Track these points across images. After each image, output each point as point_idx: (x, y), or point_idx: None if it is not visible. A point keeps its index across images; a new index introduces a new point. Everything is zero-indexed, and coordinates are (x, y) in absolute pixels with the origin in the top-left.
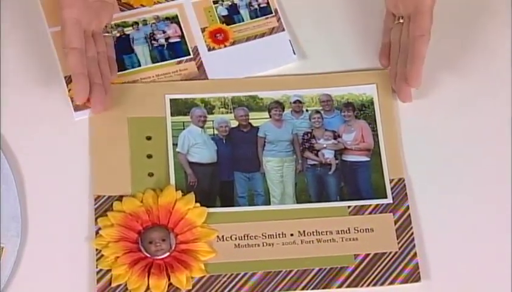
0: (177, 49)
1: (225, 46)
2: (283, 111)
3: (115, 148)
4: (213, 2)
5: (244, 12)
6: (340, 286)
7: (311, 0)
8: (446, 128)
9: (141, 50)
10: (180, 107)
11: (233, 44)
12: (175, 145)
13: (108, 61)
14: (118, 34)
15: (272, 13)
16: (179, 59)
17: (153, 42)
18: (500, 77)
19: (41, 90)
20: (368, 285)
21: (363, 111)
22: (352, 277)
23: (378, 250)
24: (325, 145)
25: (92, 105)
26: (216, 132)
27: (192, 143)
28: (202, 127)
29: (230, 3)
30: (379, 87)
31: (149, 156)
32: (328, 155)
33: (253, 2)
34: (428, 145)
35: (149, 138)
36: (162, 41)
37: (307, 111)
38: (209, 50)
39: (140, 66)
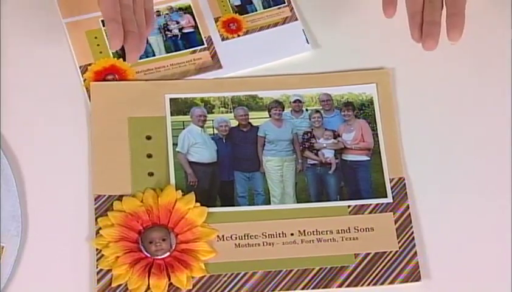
0: (191, 39)
1: (238, 36)
2: (283, 110)
3: (115, 148)
4: None
5: (256, 2)
6: (340, 286)
7: None
8: (446, 127)
9: (156, 41)
10: (180, 107)
11: (246, 33)
12: (175, 144)
13: (145, 13)
14: None
15: (284, 2)
16: (193, 49)
17: (167, 32)
18: (500, 77)
19: (51, 86)
20: (368, 285)
21: (363, 110)
22: (352, 277)
23: (378, 249)
24: (324, 145)
25: (127, 52)
26: (216, 131)
27: (192, 143)
28: (202, 127)
29: None
30: (379, 86)
31: (149, 156)
32: (328, 154)
33: None
34: (428, 144)
35: (149, 138)
36: (176, 31)
37: (307, 110)
38: (222, 39)
39: (154, 55)
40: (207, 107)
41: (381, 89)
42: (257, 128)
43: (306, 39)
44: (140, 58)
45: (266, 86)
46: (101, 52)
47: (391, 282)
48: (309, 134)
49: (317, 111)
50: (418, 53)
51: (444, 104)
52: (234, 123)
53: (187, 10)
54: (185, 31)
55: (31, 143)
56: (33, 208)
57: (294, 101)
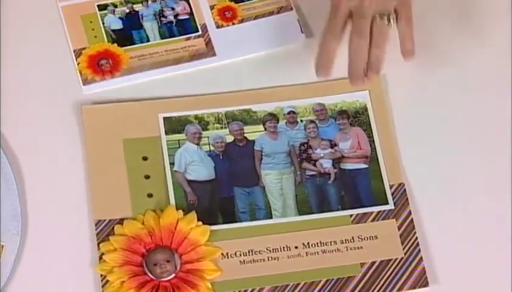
0: (186, 26)
1: (233, 24)
2: (278, 122)
3: (112, 171)
4: None
5: None
6: None
7: None
8: (442, 130)
9: (150, 26)
10: (175, 126)
11: (241, 22)
12: (172, 164)
13: None
14: (127, 11)
15: None
16: (187, 36)
17: (162, 18)
18: (498, 80)
19: (48, 87)
20: None
21: (357, 117)
22: (360, 286)
23: (384, 257)
24: (322, 155)
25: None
26: (212, 148)
27: (189, 161)
28: (197, 144)
29: None
30: (372, 93)
31: (147, 177)
32: (326, 164)
33: None
34: (425, 147)
35: (145, 158)
36: (171, 17)
37: (301, 121)
38: (217, 27)
39: (148, 41)
40: (201, 124)
41: (374, 95)
42: (253, 142)
43: (301, 29)
44: (134, 43)
45: (259, 99)
46: (95, 36)
47: (399, 289)
48: (305, 145)
49: (312, 121)
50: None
51: (438, 107)
52: (229, 138)
53: None
54: (180, 18)
55: (33, 148)
56: (34, 207)
57: (288, 113)
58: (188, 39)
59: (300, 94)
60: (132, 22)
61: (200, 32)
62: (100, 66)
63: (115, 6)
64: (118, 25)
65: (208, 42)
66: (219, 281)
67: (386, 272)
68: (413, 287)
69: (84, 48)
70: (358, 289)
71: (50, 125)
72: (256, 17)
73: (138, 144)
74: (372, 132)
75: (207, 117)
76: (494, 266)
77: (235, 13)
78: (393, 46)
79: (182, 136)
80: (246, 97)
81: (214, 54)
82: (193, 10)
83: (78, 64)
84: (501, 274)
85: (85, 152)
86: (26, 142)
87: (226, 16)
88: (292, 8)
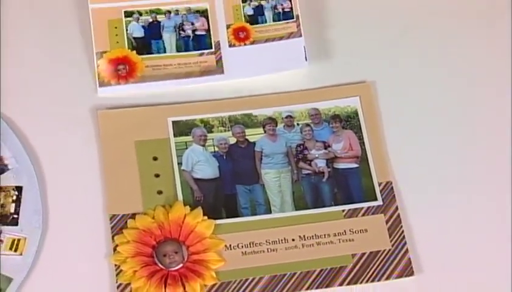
0: (201, 42)
1: (245, 44)
2: (276, 126)
3: (125, 171)
4: (242, 0)
5: (268, 14)
6: (341, 284)
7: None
8: (427, 131)
9: (169, 38)
10: (182, 129)
11: (252, 43)
12: (180, 163)
13: None
14: (150, 20)
15: (293, 18)
16: (201, 52)
17: (181, 32)
18: (485, 80)
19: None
20: (366, 281)
21: (349, 121)
22: (351, 275)
23: (373, 249)
24: (316, 155)
25: None
26: (216, 149)
27: (195, 161)
28: (203, 145)
29: (257, 4)
30: (362, 99)
31: (157, 175)
32: (321, 164)
33: (278, 5)
34: (411, 148)
35: (155, 158)
36: (189, 32)
37: (298, 124)
38: (230, 46)
39: (165, 52)
40: (207, 127)
41: (364, 101)
42: (254, 143)
43: (305, 56)
44: (152, 53)
45: (259, 105)
46: (117, 42)
47: (387, 278)
48: (301, 146)
49: (308, 125)
50: (395, 66)
51: (423, 110)
52: (232, 140)
53: (204, 13)
54: (197, 33)
55: (51, 149)
56: (54, 204)
57: (286, 117)
58: (201, 55)
59: (296, 100)
60: (153, 31)
61: (213, 49)
62: (117, 71)
63: (140, 14)
64: (140, 33)
65: (219, 60)
66: (222, 270)
67: (375, 263)
68: (400, 276)
69: (105, 52)
70: (349, 278)
71: (69, 128)
72: (266, 40)
73: (149, 145)
74: (362, 135)
75: (212, 121)
76: (475, 256)
77: (248, 34)
78: (381, 53)
79: (189, 138)
80: (248, 102)
81: (222, 72)
82: (211, 26)
83: (98, 66)
84: (482, 263)
85: (100, 153)
86: (47, 143)
87: (240, 36)
88: (301, 35)
